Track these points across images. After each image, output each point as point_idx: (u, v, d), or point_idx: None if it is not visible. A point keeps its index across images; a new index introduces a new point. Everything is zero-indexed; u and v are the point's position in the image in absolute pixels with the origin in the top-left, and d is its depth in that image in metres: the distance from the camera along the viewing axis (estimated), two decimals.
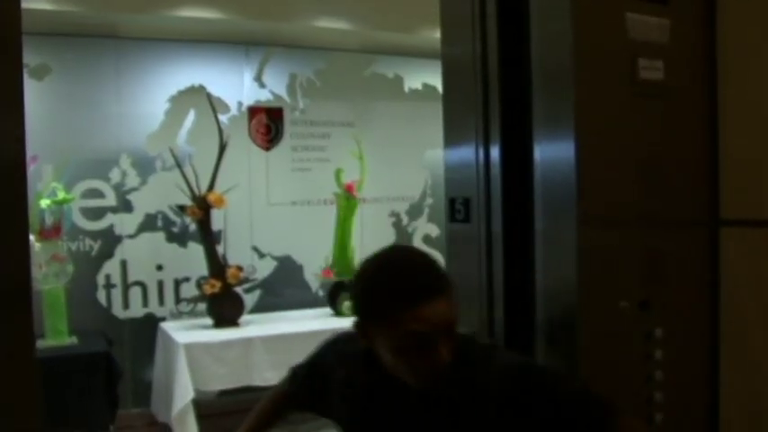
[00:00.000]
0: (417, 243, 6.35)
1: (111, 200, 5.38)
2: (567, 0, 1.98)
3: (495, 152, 2.18)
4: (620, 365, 2.03)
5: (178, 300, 5.57)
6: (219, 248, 5.37)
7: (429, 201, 6.34)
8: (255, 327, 5.13)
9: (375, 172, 5.86)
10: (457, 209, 2.30)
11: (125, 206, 5.44)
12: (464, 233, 2.28)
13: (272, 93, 5.92)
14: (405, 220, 6.33)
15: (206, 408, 4.96)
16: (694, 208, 2.19)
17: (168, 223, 5.55)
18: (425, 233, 6.34)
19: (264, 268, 5.85)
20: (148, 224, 5.51)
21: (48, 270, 4.66)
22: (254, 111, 5.85)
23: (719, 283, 2.22)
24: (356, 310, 1.77)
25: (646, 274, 2.07)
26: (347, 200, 5.48)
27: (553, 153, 2.01)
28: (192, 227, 5.42)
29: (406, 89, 6.30)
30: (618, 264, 2.02)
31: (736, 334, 2.20)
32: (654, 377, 2.07)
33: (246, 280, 5.46)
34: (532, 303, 2.08)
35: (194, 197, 5.11)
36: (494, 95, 2.18)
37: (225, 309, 5.15)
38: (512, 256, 2.15)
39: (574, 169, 1.94)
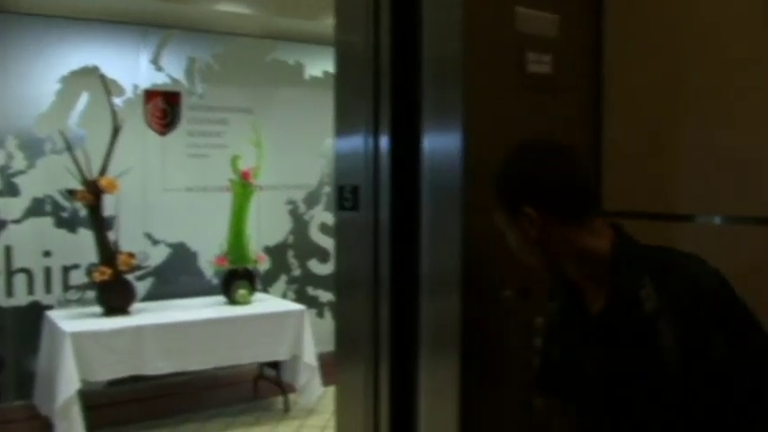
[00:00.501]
0: (314, 231, 6.31)
1: None
2: None
3: (384, 141, 2.18)
4: (501, 353, 2.06)
5: (66, 287, 5.38)
6: (111, 235, 5.20)
7: (326, 189, 6.31)
8: (147, 315, 4.99)
9: (273, 159, 5.78)
10: (345, 197, 2.29)
11: (10, 190, 5.21)
12: (352, 221, 2.28)
13: (170, 76, 5.76)
14: (302, 208, 6.28)
15: (93, 399, 4.81)
16: None
17: (57, 208, 5.34)
18: (322, 221, 6.31)
19: (158, 255, 5.70)
20: (36, 209, 5.28)
21: None
22: (150, 94, 5.68)
23: None
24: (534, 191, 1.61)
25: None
26: (243, 187, 5.39)
27: (441, 143, 2.02)
28: (83, 212, 5.24)
29: (307, 76, 6.24)
30: (501, 254, 2.04)
31: None
32: (534, 364, 2.11)
33: (138, 267, 5.31)
34: (418, 292, 2.09)
35: (85, 181, 4.92)
36: (385, 84, 2.18)
37: (115, 297, 5.00)
38: (399, 245, 2.15)
39: (460, 159, 1.96)
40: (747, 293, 1.53)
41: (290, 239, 6.26)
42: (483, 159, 1.99)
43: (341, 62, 2.38)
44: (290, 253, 6.26)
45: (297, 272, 6.30)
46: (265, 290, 6.01)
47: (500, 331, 2.05)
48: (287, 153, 6.05)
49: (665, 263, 1.56)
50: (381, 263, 2.18)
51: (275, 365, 5.40)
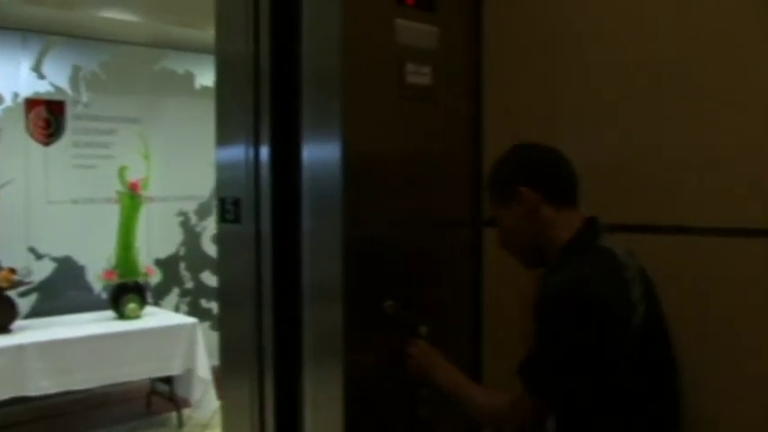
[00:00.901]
0: (206, 243, 6.22)
1: None
2: (338, 3, 1.99)
3: (264, 152, 2.15)
4: (387, 362, 2.07)
5: None
6: None
7: None
8: (30, 332, 4.79)
9: (162, 170, 5.68)
10: (227, 209, 2.25)
11: None
12: (235, 234, 2.25)
13: (53, 85, 5.58)
14: (193, 219, 6.18)
15: None
16: (458, 209, 2.28)
17: None
18: (215, 233, 6.23)
19: (42, 270, 5.50)
20: None
21: None
22: (31, 103, 5.49)
23: (482, 281, 2.33)
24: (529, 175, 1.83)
25: (411, 273, 2.13)
26: (131, 198, 5.26)
27: (320, 153, 2.02)
28: None
29: (197, 86, 6.15)
30: (383, 263, 2.06)
31: (498, 330, 2.30)
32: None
33: (21, 283, 5.10)
34: (300, 304, 2.07)
35: None
36: (264, 94, 2.16)
37: None
38: (282, 257, 2.13)
39: (339, 169, 1.95)
40: None
41: (182, 251, 6.14)
42: (362, 169, 2.01)
43: (221, 71, 2.35)
44: (182, 265, 6.15)
45: (189, 284, 6.19)
46: (157, 303, 5.87)
47: (384, 341, 2.06)
48: (177, 164, 5.94)
49: (569, 270, 1.72)
50: (264, 275, 2.15)
51: (168, 380, 5.27)
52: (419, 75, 2.14)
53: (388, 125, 2.08)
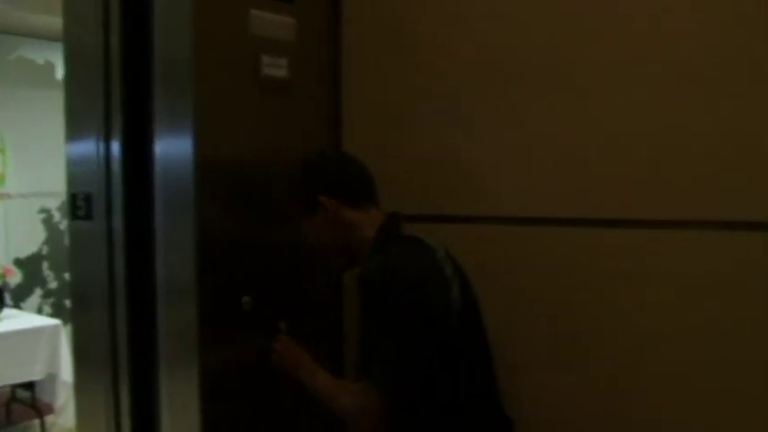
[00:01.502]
0: None
1: None
2: None
3: (116, 147, 2.07)
4: (244, 360, 2.03)
5: None
6: None
7: None
8: None
9: (22, 165, 5.41)
10: (78, 205, 2.17)
11: None
12: (86, 231, 2.16)
13: None
14: (56, 216, 5.92)
15: None
16: None
17: None
18: None
19: None
20: None
21: None
22: None
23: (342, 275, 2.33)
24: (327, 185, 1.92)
25: (269, 269, 2.10)
26: None
27: (173, 148, 1.96)
28: None
29: (58, 77, 5.89)
30: (240, 259, 2.02)
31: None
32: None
33: None
34: (155, 302, 2.01)
35: None
36: (116, 87, 2.08)
37: None
38: (135, 255, 2.06)
39: (192, 164, 1.90)
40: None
41: (45, 250, 5.88)
42: (217, 164, 1.96)
43: (70, 62, 2.25)
44: (46, 265, 5.89)
45: (53, 284, 5.93)
46: (17, 305, 5.60)
47: (241, 338, 2.02)
48: (38, 159, 5.67)
49: (374, 261, 1.81)
50: (117, 273, 2.08)
51: (30, 386, 5.03)
52: (276, 67, 2.11)
53: (244, 119, 2.04)
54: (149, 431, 2.08)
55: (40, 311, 5.72)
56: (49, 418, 5.06)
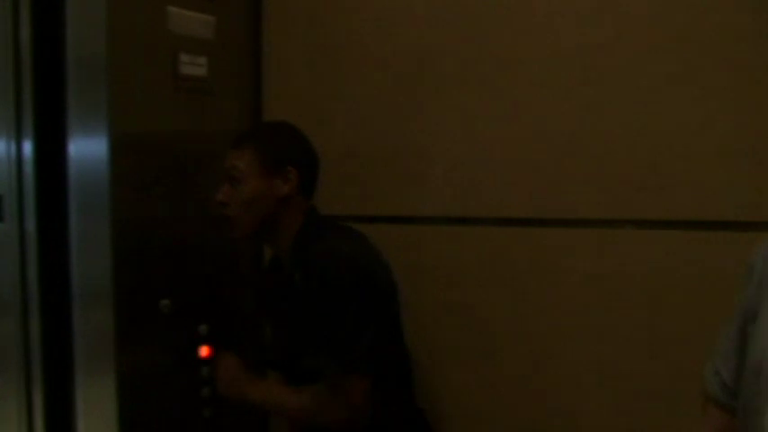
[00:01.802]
0: None
1: None
2: None
3: (27, 146, 2.00)
4: (163, 365, 2.00)
5: None
6: None
7: None
8: None
9: None
10: None
11: None
12: None
13: None
14: None
15: None
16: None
17: None
18: None
19: None
20: None
21: None
22: None
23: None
24: None
25: (189, 271, 2.06)
26: None
27: (87, 148, 1.90)
28: None
29: None
30: (158, 262, 1.98)
31: None
32: (201, 373, 2.08)
33: None
34: (70, 307, 1.96)
35: None
36: (26, 84, 2.00)
37: None
38: (48, 258, 2.00)
39: (107, 165, 1.85)
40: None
41: None
42: (134, 165, 1.92)
43: None
44: None
45: None
46: None
47: (160, 342, 1.98)
48: None
49: (315, 245, 1.81)
50: (29, 277, 2.00)
51: None
52: (195, 66, 2.08)
53: (162, 118, 2.00)
54: None
55: None
56: None
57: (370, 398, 1.76)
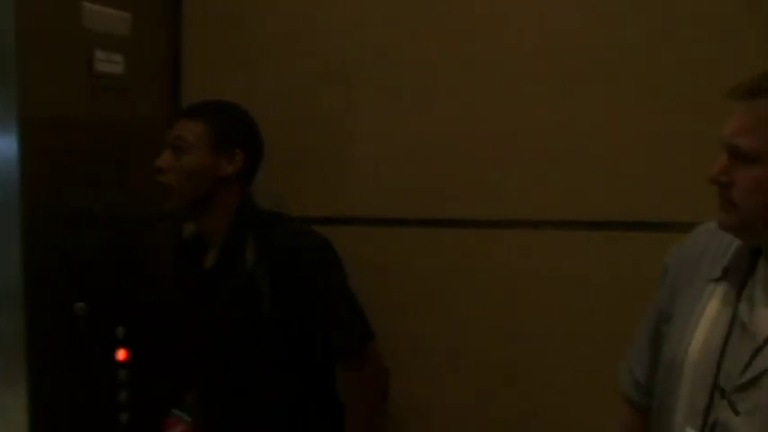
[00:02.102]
0: None
1: None
2: None
3: None
4: (78, 369, 1.94)
5: None
6: None
7: None
8: None
9: None
10: None
11: None
12: None
13: None
14: None
15: None
16: (157, 205, 2.19)
17: None
18: None
19: None
20: None
21: None
22: None
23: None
24: None
25: (105, 273, 2.02)
26: None
27: None
28: None
29: None
30: (72, 264, 1.93)
31: None
32: (118, 377, 2.03)
33: None
34: None
35: None
36: None
37: None
38: None
39: (17, 165, 1.79)
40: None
41: None
42: (46, 164, 1.86)
43: None
44: None
45: None
46: None
47: (75, 346, 1.93)
48: None
49: (272, 229, 1.84)
50: None
51: None
52: (110, 63, 2.03)
53: (76, 116, 1.95)
54: None
55: None
56: None
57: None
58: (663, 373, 1.33)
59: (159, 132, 2.19)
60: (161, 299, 2.16)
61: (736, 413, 1.16)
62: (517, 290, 1.91)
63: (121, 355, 2.04)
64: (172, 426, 1.97)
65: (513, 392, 1.92)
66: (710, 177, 1.20)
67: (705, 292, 1.28)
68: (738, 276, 1.25)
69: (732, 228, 1.21)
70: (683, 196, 1.68)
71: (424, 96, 1.99)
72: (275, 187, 2.09)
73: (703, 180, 1.21)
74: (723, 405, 1.18)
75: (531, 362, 1.90)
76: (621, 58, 1.78)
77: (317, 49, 2.10)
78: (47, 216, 1.87)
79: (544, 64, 1.85)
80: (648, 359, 1.42)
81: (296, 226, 1.89)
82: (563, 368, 1.86)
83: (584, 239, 1.83)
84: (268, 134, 1.94)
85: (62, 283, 1.90)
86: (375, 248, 2.05)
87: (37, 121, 1.84)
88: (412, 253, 2.02)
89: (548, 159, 1.86)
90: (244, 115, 1.93)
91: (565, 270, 1.86)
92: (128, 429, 2.07)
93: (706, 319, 1.26)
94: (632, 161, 1.78)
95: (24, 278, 1.81)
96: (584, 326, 1.83)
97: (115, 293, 2.03)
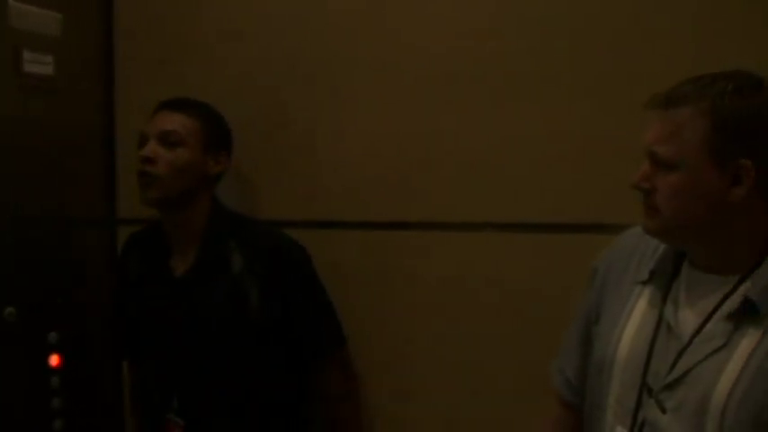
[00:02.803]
0: None
1: None
2: None
3: None
4: (9, 376, 1.90)
5: None
6: None
7: None
8: None
9: None
10: None
11: None
12: None
13: None
14: None
15: None
16: (90, 207, 2.17)
17: None
18: None
19: None
20: None
21: None
22: None
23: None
24: None
25: (36, 277, 1.97)
26: None
27: None
28: None
29: None
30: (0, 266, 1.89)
31: None
32: (51, 383, 1.99)
33: None
34: None
35: None
36: None
37: None
38: None
39: None
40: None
41: None
42: None
43: None
44: None
45: None
46: None
47: (6, 352, 1.89)
48: None
49: (255, 233, 1.88)
50: None
51: None
52: (40, 64, 1.98)
53: (4, 118, 1.90)
54: None
55: None
56: None
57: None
58: (593, 373, 1.37)
59: (90, 134, 2.18)
60: (95, 302, 2.13)
61: (664, 411, 1.20)
62: (445, 292, 1.94)
63: (54, 360, 2.00)
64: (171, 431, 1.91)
65: (450, 394, 1.95)
66: (633, 184, 1.24)
67: (633, 294, 1.33)
68: (664, 279, 1.29)
69: (655, 232, 1.26)
70: (612, 199, 1.72)
71: (354, 98, 2.00)
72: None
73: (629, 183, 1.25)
74: (651, 404, 1.22)
75: (470, 362, 1.93)
76: (552, 63, 1.81)
77: (250, 50, 2.09)
78: None
79: (479, 67, 1.88)
80: (579, 359, 1.46)
81: (268, 228, 1.93)
82: (499, 369, 1.89)
83: (511, 241, 1.87)
84: None
85: None
86: (323, 250, 2.04)
87: None
88: (346, 255, 2.03)
89: (481, 162, 1.89)
90: (225, 120, 1.98)
91: (479, 271, 1.90)
92: None
93: (634, 320, 1.30)
94: (563, 164, 1.81)
95: None
96: (515, 327, 1.87)
97: (46, 297, 1.99)
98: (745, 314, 1.17)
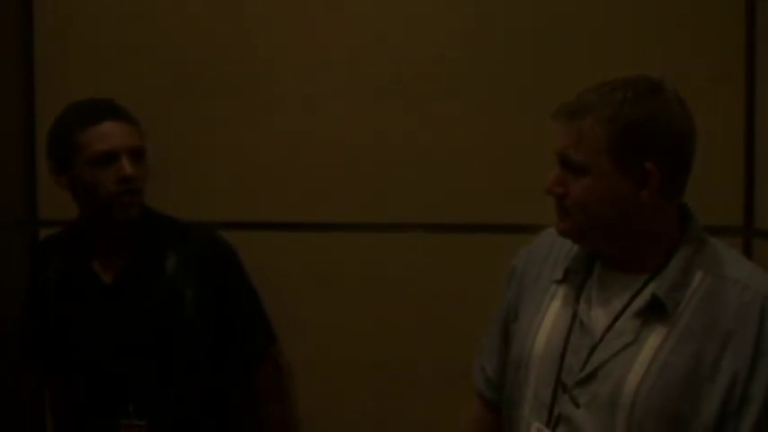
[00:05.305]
0: None
1: None
2: None
3: None
4: None
5: None
6: None
7: None
8: None
9: None
10: None
11: None
12: None
13: None
14: None
15: None
16: (10, 209, 2.13)
17: None
18: None
19: None
20: None
21: None
22: None
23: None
24: (50, 156, 1.78)
25: None
26: None
27: None
28: None
29: None
30: None
31: None
32: None
33: None
34: None
35: None
36: None
37: None
38: None
39: None
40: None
41: None
42: None
43: None
44: None
45: None
46: None
47: None
48: None
49: (186, 232, 1.86)
50: None
51: None
52: None
53: None
54: None
55: None
56: None
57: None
58: (511, 370, 1.40)
59: (10, 138, 2.13)
60: (14, 308, 2.08)
61: (577, 406, 1.24)
62: (368, 292, 1.97)
63: None
64: None
65: (375, 394, 1.98)
66: (546, 189, 1.28)
67: (549, 293, 1.37)
68: (578, 278, 1.33)
69: (568, 234, 1.30)
70: (532, 200, 1.76)
71: (277, 101, 2.01)
72: None
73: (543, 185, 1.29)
74: (565, 399, 1.26)
75: (394, 362, 1.96)
76: (465, 67, 1.86)
77: (173, 51, 2.08)
78: None
79: (395, 71, 1.91)
80: (498, 356, 1.49)
81: (198, 226, 1.93)
82: (424, 368, 1.92)
83: (433, 242, 1.90)
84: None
85: None
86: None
87: None
88: (270, 256, 2.04)
89: (401, 164, 1.92)
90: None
91: (402, 271, 1.95)
92: None
93: (549, 317, 1.34)
94: (483, 166, 1.85)
95: None
96: (437, 326, 1.91)
97: None
98: (653, 311, 1.22)
